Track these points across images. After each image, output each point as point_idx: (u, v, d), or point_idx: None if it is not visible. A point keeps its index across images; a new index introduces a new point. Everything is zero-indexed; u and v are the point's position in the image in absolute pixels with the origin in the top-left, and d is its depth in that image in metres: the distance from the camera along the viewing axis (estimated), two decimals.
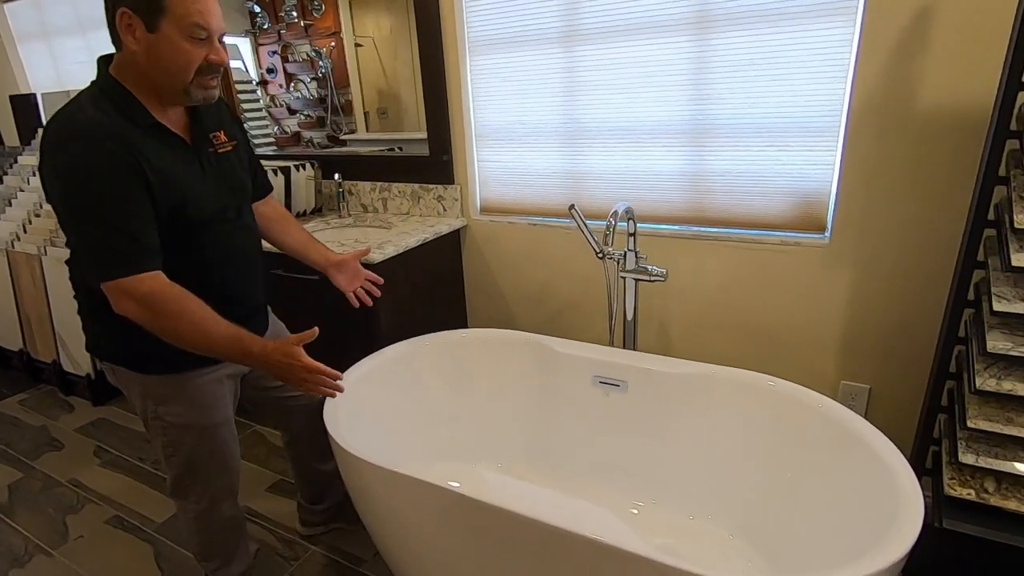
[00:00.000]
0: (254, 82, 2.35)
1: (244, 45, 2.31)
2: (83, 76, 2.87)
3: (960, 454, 1.09)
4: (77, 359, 2.39)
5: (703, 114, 1.58)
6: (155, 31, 0.93)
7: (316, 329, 1.03)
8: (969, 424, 1.07)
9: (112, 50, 1.00)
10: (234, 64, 2.32)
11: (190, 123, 1.07)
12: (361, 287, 1.38)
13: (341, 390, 1.09)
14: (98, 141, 0.92)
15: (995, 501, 1.08)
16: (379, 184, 2.18)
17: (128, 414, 2.34)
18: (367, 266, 1.44)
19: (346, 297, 1.37)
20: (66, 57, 2.87)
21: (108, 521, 1.76)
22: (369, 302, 1.39)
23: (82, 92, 0.99)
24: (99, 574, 1.56)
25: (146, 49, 0.94)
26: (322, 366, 1.04)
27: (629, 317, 1.54)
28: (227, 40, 2.47)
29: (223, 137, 1.13)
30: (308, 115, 2.29)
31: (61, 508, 1.82)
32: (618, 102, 1.68)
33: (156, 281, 0.96)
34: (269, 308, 1.32)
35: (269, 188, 1.33)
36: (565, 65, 1.72)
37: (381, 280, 1.41)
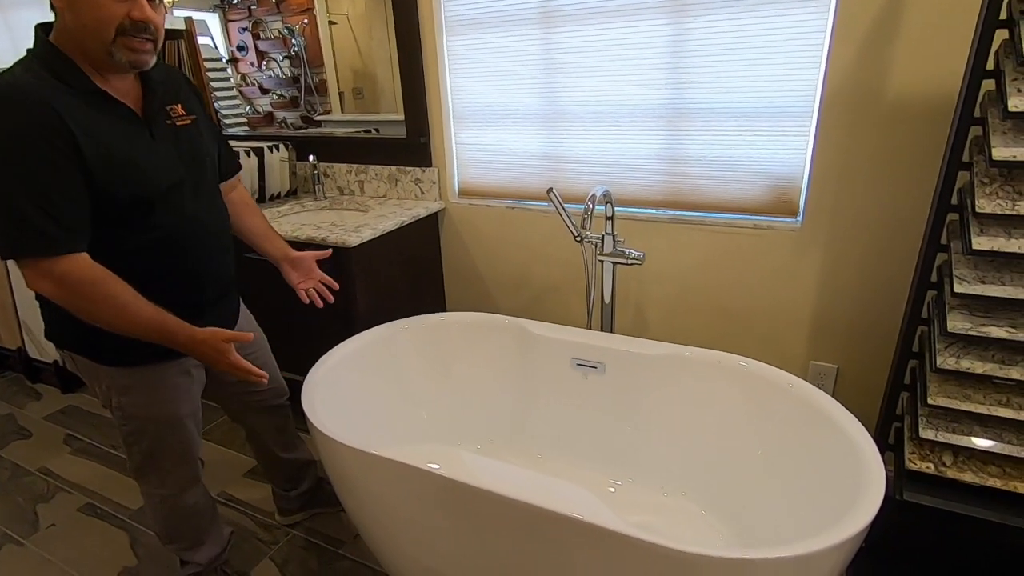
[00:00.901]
0: (224, 60, 2.28)
1: (213, 21, 2.23)
2: None
3: (921, 430, 1.14)
4: (44, 346, 2.33)
5: (680, 98, 1.59)
6: None
7: (251, 334, 1.02)
8: (930, 401, 1.12)
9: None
10: (202, 41, 2.24)
11: (143, 94, 1.01)
12: (315, 288, 1.34)
13: (263, 382, 1.07)
14: (21, 105, 0.84)
15: (952, 474, 1.13)
16: (355, 166, 2.15)
17: (98, 401, 2.29)
18: (331, 262, 1.41)
19: (296, 293, 1.33)
20: (23, 28, 2.75)
21: (81, 509, 1.73)
22: (319, 303, 1.35)
23: (18, 60, 0.92)
24: (73, 562, 1.54)
25: (68, 4, 0.87)
26: (249, 367, 1.01)
27: (607, 300, 1.56)
28: (195, 15, 2.38)
29: (180, 110, 1.06)
30: (281, 95, 2.24)
31: (31, 497, 1.79)
32: (596, 85, 1.67)
33: (75, 262, 0.89)
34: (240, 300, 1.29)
35: (237, 168, 1.27)
36: (543, 47, 1.70)
37: (336, 285, 1.37)
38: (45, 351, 2.33)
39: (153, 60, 0.96)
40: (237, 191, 1.28)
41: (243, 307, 1.31)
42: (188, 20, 2.22)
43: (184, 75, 1.13)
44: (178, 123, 1.05)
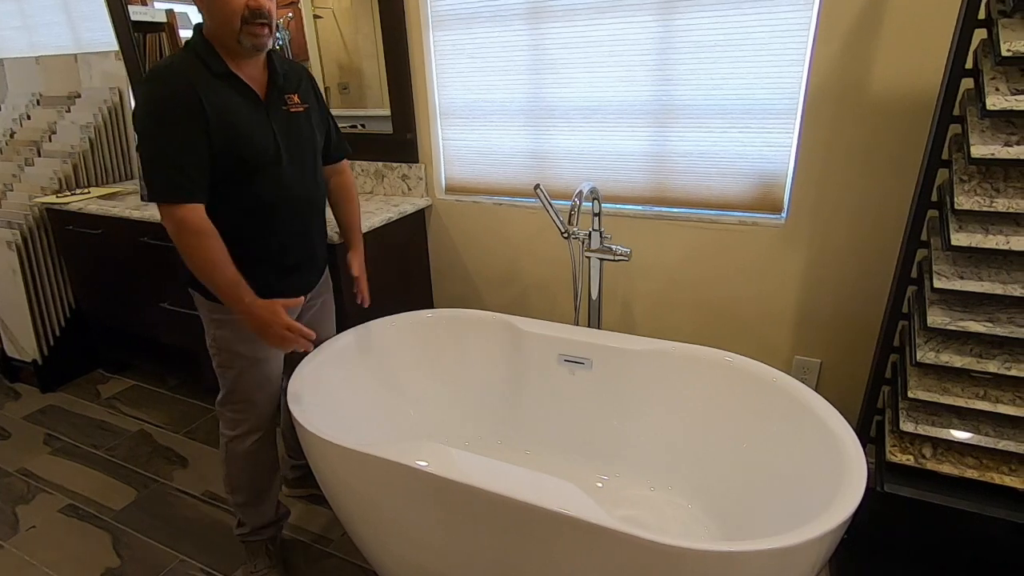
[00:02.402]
0: None
1: (195, 13, 2.19)
2: (17, 42, 2.67)
3: (901, 422, 1.16)
4: (22, 344, 2.28)
5: (667, 95, 1.59)
6: None
7: (302, 298, 1.20)
8: (910, 394, 1.14)
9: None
10: (184, 33, 2.20)
11: (268, 82, 1.20)
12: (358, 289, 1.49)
13: (311, 348, 1.23)
14: (167, 79, 1.07)
15: (931, 465, 1.15)
16: None
17: (80, 400, 2.26)
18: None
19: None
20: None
21: (62, 510, 1.70)
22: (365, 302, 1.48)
23: (181, 47, 1.15)
24: (54, 564, 1.52)
25: (207, 7, 1.08)
26: (299, 326, 1.18)
27: (594, 296, 1.56)
28: (177, 8, 2.35)
29: (296, 100, 1.25)
30: None
31: (11, 498, 1.76)
32: (584, 81, 1.68)
33: (192, 212, 1.09)
34: (327, 271, 1.45)
35: (343, 152, 1.41)
36: (530, 42, 1.70)
37: (366, 303, 1.49)
38: (24, 350, 2.29)
39: (271, 42, 1.14)
40: (342, 176, 1.43)
41: (327, 278, 1.46)
42: (170, 13, 2.19)
43: (308, 72, 1.32)
44: (292, 110, 1.23)
